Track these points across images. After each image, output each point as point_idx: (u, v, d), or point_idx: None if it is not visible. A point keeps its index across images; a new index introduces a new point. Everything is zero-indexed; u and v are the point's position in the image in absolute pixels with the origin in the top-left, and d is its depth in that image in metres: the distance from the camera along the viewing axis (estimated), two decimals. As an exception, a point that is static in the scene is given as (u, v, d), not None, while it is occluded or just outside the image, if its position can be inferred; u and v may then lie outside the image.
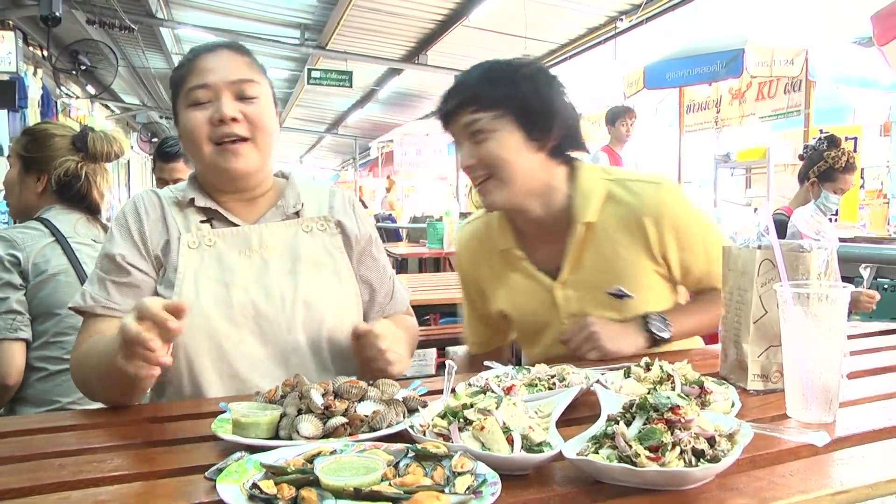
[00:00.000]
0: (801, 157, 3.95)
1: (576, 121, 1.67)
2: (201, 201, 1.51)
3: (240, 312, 1.43)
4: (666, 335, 1.62)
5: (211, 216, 1.52)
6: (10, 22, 8.10)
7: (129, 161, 17.43)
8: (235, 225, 1.51)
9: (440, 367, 5.25)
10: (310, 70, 10.73)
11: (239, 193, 1.54)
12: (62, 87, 10.21)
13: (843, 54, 6.41)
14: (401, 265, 6.73)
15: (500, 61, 1.64)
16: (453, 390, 1.18)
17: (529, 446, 0.93)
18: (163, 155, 3.35)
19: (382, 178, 16.48)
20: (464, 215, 6.70)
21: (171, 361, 1.17)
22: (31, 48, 9.13)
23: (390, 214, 11.29)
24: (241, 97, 1.46)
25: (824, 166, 3.69)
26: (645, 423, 0.92)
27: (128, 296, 1.44)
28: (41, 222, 2.16)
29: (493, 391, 1.19)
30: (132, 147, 16.91)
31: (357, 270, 1.60)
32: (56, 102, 9.95)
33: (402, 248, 6.83)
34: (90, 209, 2.28)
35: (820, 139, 3.81)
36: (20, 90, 7.82)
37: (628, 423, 0.93)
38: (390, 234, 9.00)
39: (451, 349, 5.21)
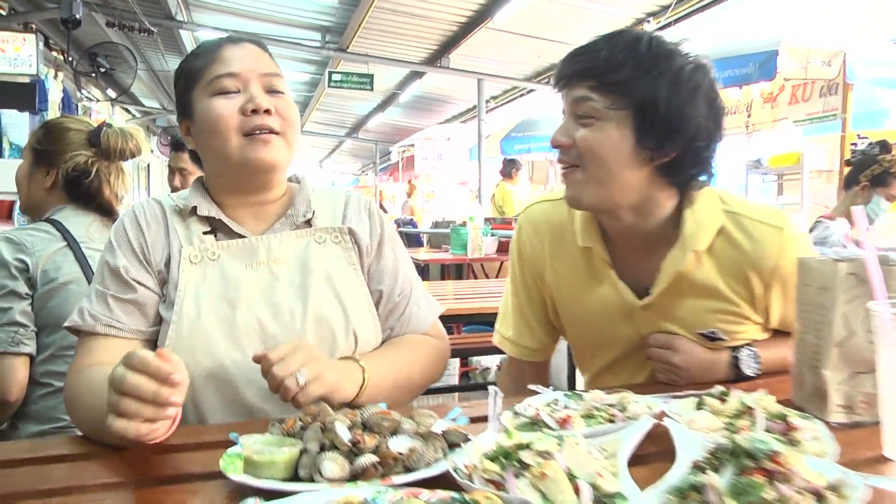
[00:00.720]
0: (847, 163, 3.77)
1: (710, 143, 1.37)
2: (204, 209, 1.38)
3: (244, 332, 1.29)
4: (753, 374, 1.43)
5: (215, 227, 1.39)
6: (33, 25, 8.08)
7: (149, 164, 17.43)
8: (241, 236, 1.38)
9: (463, 376, 5.11)
10: (330, 73, 10.61)
11: (253, 195, 1.40)
12: (83, 91, 10.21)
13: (884, 55, 6.18)
14: (422, 271, 6.57)
15: (651, 38, 1.34)
16: (500, 422, 1.02)
17: (599, 498, 0.77)
18: (175, 144, 3.46)
19: (403, 182, 16.37)
20: (488, 220, 6.55)
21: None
22: (52, 52, 9.12)
23: (411, 219, 11.15)
24: (271, 90, 1.36)
25: (878, 169, 3.49)
26: (738, 473, 0.76)
27: (132, 315, 1.32)
28: (52, 224, 2.01)
29: (545, 423, 1.03)
30: (152, 151, 16.91)
31: (367, 279, 1.45)
32: (77, 106, 9.93)
33: (423, 253, 6.67)
34: (103, 210, 2.13)
35: (871, 143, 3.63)
36: (41, 93, 7.76)
37: (716, 471, 0.77)
38: (411, 240, 8.85)
39: (474, 359, 5.07)
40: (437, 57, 10.62)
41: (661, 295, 1.44)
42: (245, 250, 1.36)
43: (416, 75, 11.86)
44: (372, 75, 10.71)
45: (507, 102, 13.29)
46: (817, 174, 6.74)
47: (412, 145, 15.20)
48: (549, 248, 1.59)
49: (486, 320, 3.73)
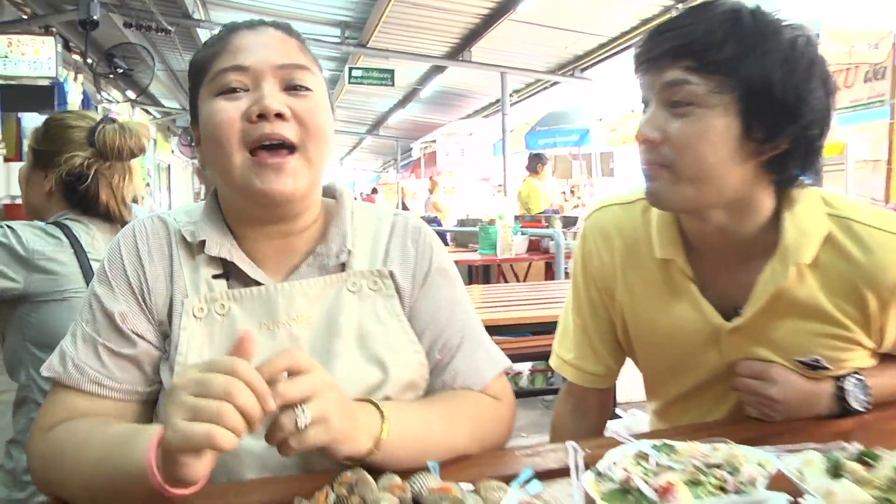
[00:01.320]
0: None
1: (822, 132, 1.15)
2: (214, 247, 1.09)
3: None
4: (862, 408, 1.20)
5: (228, 267, 1.10)
6: (53, 28, 8.02)
7: (169, 165, 17.40)
8: (258, 283, 1.09)
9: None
10: (350, 69, 10.42)
11: (273, 226, 1.11)
12: (102, 92, 10.13)
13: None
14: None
15: (752, 10, 1.11)
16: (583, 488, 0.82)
17: None
18: None
19: (424, 179, 16.18)
20: (517, 218, 6.32)
21: None
22: (73, 54, 9.07)
23: (435, 217, 10.90)
24: (290, 87, 1.05)
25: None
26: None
27: (128, 371, 1.06)
28: (59, 227, 1.83)
29: (641, 493, 0.82)
30: (172, 151, 16.88)
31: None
32: (97, 107, 9.86)
33: (448, 254, 6.41)
34: (106, 217, 1.94)
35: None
36: (59, 95, 7.72)
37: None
38: (436, 238, 8.60)
39: (516, 366, 4.85)
40: (459, 51, 10.36)
41: (754, 316, 1.22)
42: (261, 304, 1.08)
43: (438, 70, 11.62)
44: (392, 70, 10.51)
45: (531, 96, 13.02)
46: (863, 164, 6.42)
47: (434, 141, 15.01)
48: (621, 259, 1.36)
49: (518, 332, 3.53)
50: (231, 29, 1.10)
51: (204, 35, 10.08)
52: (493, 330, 3.10)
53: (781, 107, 1.08)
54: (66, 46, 8.87)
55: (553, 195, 10.14)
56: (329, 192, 1.23)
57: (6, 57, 7.38)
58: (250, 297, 1.08)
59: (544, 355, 4.24)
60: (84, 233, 1.86)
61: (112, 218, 1.95)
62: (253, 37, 1.07)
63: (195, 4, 9.00)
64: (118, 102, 11.49)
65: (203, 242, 1.09)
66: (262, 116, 1.01)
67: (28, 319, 1.76)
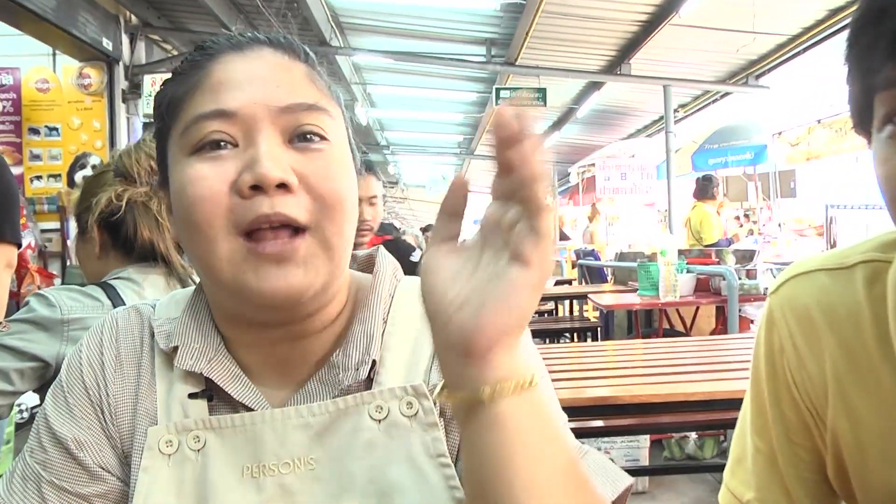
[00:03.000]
0: None
1: None
2: (189, 358, 0.76)
3: None
4: None
5: (209, 386, 0.77)
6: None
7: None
8: (248, 408, 0.75)
9: (654, 446, 4.06)
10: (498, 90, 9.84)
11: (277, 329, 0.76)
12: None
13: None
14: (605, 319, 5.48)
15: None
16: None
17: None
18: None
19: (583, 205, 15.35)
20: (682, 253, 5.32)
21: None
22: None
23: (593, 250, 9.98)
24: (298, 138, 0.71)
25: None
26: None
27: None
28: (101, 288, 1.60)
29: None
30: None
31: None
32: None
33: (607, 294, 5.51)
34: (158, 259, 1.69)
35: None
36: None
37: None
38: (593, 274, 7.67)
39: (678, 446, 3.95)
40: (617, 64, 9.49)
41: None
42: (246, 440, 0.74)
43: (594, 86, 10.82)
44: (544, 89, 9.80)
45: (699, 110, 11.87)
46: None
47: (592, 165, 14.15)
48: (833, 361, 0.85)
49: (677, 410, 2.67)
50: (210, 51, 0.76)
51: (343, 62, 9.90)
52: (647, 408, 2.32)
53: None
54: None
55: (726, 220, 8.95)
56: (367, 264, 0.89)
57: (150, 95, 7.74)
58: (233, 427, 0.75)
59: (716, 424, 3.44)
60: (132, 291, 1.62)
61: (164, 260, 1.70)
62: (242, 64, 0.74)
63: (332, 32, 8.78)
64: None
65: (176, 349, 0.78)
66: (257, 188, 0.67)
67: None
